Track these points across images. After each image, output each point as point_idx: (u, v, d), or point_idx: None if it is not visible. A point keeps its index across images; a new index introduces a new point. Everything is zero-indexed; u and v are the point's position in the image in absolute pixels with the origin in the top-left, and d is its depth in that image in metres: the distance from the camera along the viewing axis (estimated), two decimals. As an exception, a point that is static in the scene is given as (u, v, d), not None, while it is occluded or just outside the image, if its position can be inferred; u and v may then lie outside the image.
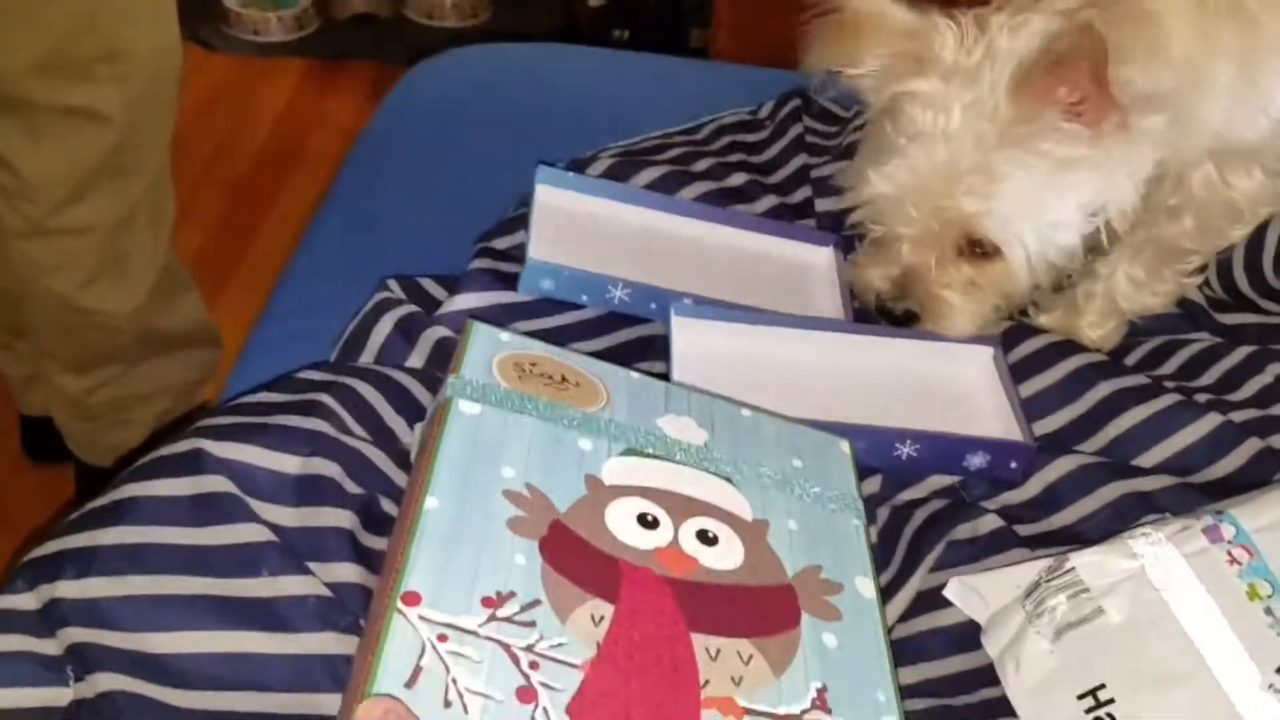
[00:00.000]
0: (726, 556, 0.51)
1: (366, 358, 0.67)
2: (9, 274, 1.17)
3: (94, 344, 1.20)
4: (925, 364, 0.71)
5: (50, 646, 0.52)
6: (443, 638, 0.44)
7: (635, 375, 0.60)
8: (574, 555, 0.49)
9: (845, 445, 0.60)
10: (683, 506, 0.53)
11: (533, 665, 0.44)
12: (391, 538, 0.53)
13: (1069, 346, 0.72)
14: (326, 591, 0.54)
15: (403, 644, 0.43)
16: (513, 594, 0.46)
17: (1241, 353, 0.72)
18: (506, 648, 0.44)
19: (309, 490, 0.57)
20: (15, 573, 0.55)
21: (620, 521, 0.51)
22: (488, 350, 0.57)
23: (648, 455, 0.55)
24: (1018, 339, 0.73)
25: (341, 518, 0.57)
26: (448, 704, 0.42)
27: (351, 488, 0.58)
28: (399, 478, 0.60)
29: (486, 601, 0.46)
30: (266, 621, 0.53)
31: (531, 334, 0.69)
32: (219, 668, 0.52)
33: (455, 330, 0.67)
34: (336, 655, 0.53)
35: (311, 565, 0.55)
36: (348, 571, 0.55)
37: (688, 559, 0.50)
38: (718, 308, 0.71)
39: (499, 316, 0.69)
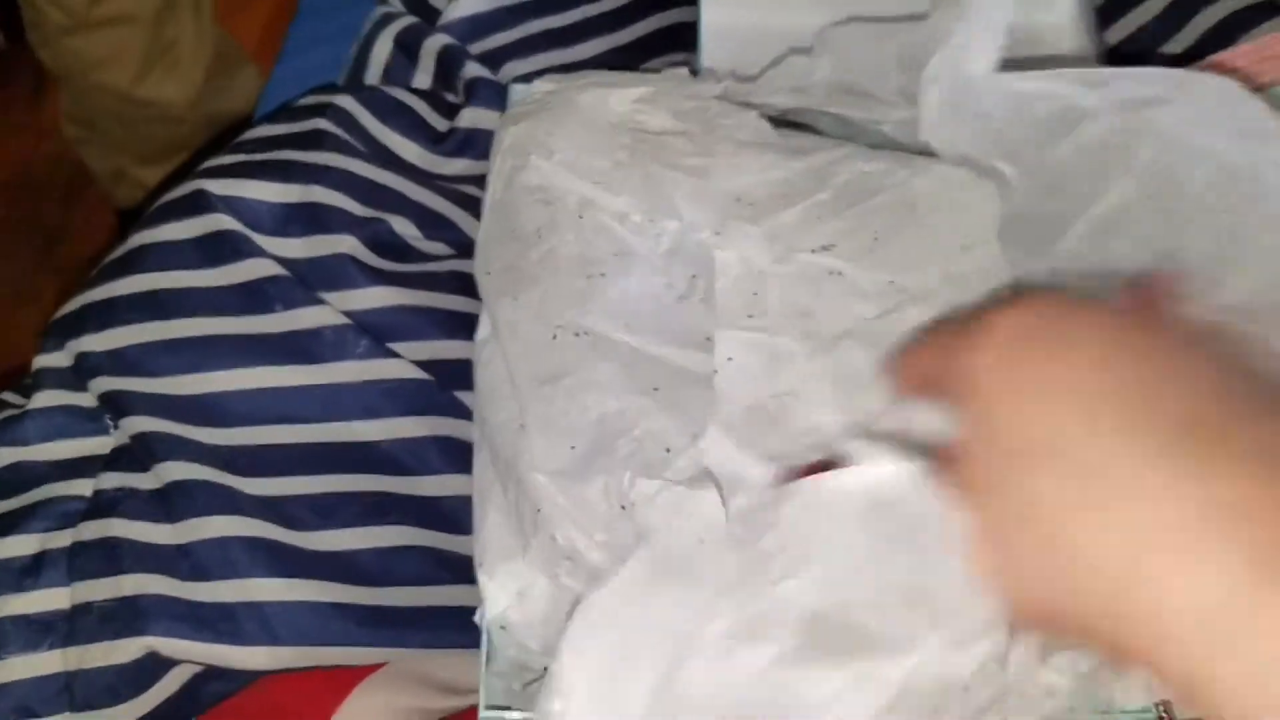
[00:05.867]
0: None
1: (371, 80, 0.62)
2: (65, 70, 1.16)
3: (160, 136, 1.19)
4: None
5: (86, 399, 0.53)
6: None
7: None
8: None
9: None
10: None
11: None
12: None
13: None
14: (342, 319, 0.52)
15: None
16: None
17: None
18: None
19: (313, 220, 0.54)
20: (46, 332, 0.54)
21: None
22: None
23: None
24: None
25: (350, 244, 0.54)
26: None
27: (360, 211, 0.55)
28: (412, 191, 0.56)
29: None
30: (285, 355, 0.51)
31: (543, 35, 0.63)
32: (245, 404, 0.51)
33: (457, 39, 0.61)
34: (359, 383, 0.51)
35: (324, 295, 0.52)
36: (361, 297, 0.53)
37: None
38: (754, -37, 0.61)
39: (504, 20, 0.62)
